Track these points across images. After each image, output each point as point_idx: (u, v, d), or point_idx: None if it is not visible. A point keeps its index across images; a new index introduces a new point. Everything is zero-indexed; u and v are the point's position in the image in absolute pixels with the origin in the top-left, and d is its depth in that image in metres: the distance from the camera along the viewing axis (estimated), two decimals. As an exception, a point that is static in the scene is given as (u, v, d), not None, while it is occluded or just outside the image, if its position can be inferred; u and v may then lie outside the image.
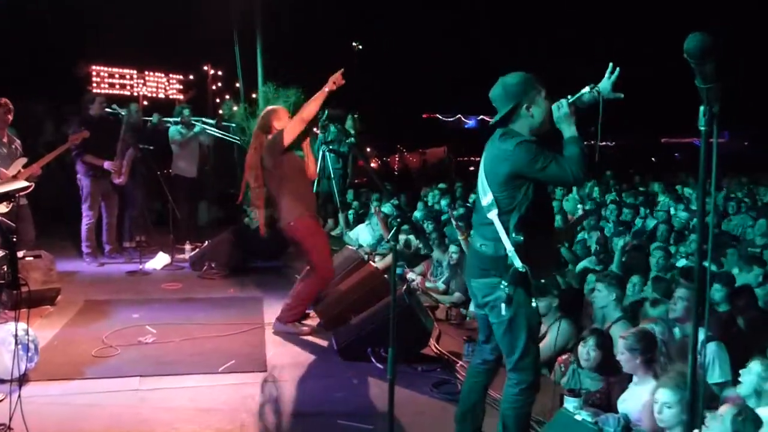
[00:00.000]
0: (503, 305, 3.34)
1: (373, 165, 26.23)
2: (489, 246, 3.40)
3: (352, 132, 13.03)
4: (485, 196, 3.41)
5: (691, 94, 2.14)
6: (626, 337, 4.01)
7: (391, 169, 24.07)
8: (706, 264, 2.38)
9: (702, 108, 2.05)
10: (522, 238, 3.25)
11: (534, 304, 3.34)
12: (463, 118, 37.85)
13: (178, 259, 8.58)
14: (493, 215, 3.35)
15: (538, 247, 3.33)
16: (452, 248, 7.29)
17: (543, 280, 3.38)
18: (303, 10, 19.36)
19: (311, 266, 5.85)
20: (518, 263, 3.23)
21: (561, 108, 3.33)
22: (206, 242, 8.73)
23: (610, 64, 3.24)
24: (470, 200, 11.69)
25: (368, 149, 25.80)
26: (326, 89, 5.40)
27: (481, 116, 37.57)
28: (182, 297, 7.03)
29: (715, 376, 4.21)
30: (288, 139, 5.53)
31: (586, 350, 4.36)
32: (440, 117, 36.82)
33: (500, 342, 3.54)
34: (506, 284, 3.29)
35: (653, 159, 28.88)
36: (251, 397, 4.51)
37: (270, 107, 6.04)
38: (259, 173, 5.70)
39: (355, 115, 12.99)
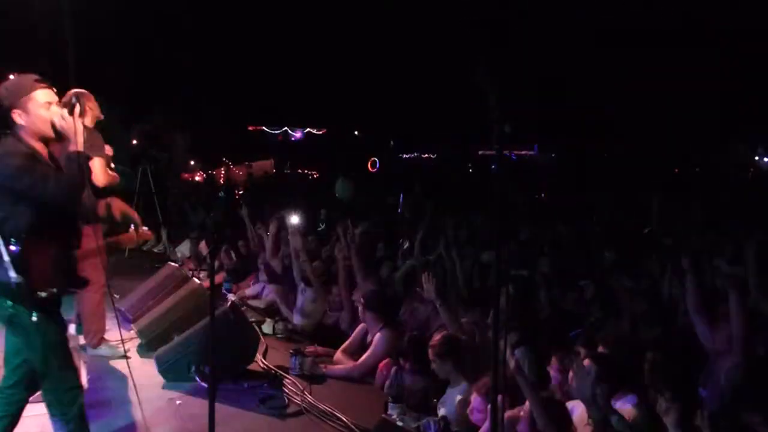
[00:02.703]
0: (9, 327, 3.19)
1: (198, 178, 25.62)
2: None
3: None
4: None
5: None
6: (434, 345, 4.18)
7: (217, 182, 23.60)
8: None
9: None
10: (19, 248, 3.09)
11: (35, 319, 3.13)
12: (290, 131, 37.80)
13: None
14: None
15: (42, 258, 3.16)
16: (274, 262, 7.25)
17: (45, 294, 3.13)
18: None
19: None
20: (12, 274, 3.08)
21: (64, 118, 3.19)
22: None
23: None
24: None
25: (192, 162, 25.17)
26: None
27: (308, 129, 37.87)
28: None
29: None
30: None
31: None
32: (266, 129, 36.55)
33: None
34: (10, 304, 3.13)
35: (470, 170, 30.47)
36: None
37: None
38: None
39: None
